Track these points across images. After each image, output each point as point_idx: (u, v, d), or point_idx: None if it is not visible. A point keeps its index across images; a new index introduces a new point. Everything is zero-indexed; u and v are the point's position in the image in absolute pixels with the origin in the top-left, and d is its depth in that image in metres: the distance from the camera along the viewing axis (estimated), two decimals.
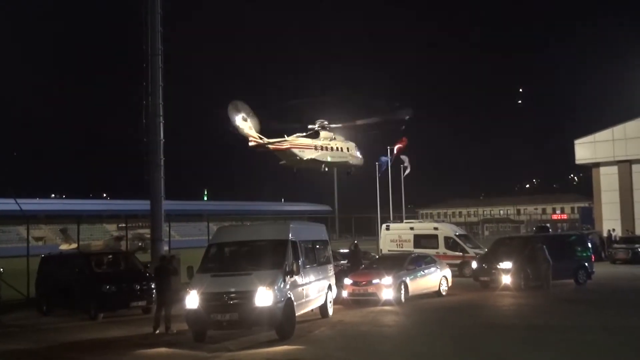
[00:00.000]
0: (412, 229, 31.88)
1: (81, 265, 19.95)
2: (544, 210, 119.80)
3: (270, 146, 25.64)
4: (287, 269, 14.44)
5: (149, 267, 20.62)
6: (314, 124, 27.37)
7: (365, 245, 35.30)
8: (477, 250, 29.05)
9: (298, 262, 14.91)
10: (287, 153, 25.98)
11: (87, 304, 18.70)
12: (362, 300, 19.74)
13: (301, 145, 26.25)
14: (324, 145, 26.98)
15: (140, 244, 43.33)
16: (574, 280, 24.39)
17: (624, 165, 48.32)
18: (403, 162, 41.00)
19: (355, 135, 29.33)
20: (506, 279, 22.75)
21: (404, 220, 36.32)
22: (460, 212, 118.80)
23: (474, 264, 25.40)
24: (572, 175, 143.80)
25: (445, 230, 31.03)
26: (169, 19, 24.93)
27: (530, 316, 17.19)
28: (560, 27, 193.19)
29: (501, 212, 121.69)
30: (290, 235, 15.36)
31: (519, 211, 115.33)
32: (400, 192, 42.76)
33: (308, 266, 15.98)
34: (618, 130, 48.74)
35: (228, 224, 25.20)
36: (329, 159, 27.12)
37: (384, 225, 33.37)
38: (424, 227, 32.64)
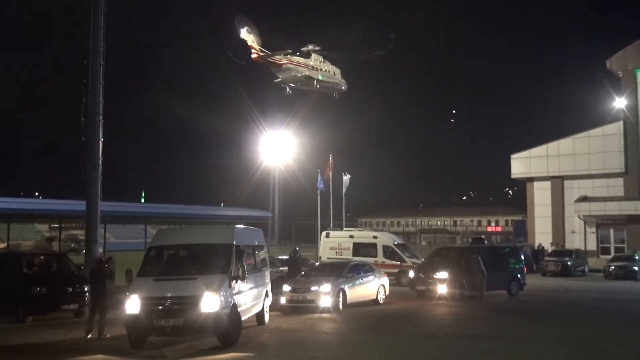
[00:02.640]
0: (351, 237, 32.08)
1: (11, 265, 19.19)
2: (479, 222, 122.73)
3: (270, 59, 27.20)
4: (233, 274, 14.14)
5: (82, 269, 20.03)
6: (306, 47, 28.85)
7: (305, 253, 35.31)
8: (414, 260, 29.47)
9: (244, 267, 14.70)
10: (284, 68, 27.57)
11: (16, 306, 17.97)
12: (301, 307, 19.71)
13: (297, 63, 28.01)
14: (316, 65, 28.71)
15: (73, 245, 42.15)
16: (507, 291, 25.03)
17: (557, 181, 50.15)
18: (346, 182, 41.24)
19: (340, 64, 30.90)
20: (442, 289, 23.15)
21: (344, 229, 36.50)
22: (399, 222, 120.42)
23: (411, 273, 25.78)
24: (507, 189, 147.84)
25: (384, 239, 31.36)
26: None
27: (465, 325, 17.53)
28: (500, 44, 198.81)
29: (438, 222, 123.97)
30: (234, 239, 15.12)
31: (455, 222, 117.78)
32: (341, 200, 43.04)
33: (249, 272, 15.80)
34: (552, 146, 50.55)
35: (166, 227, 24.96)
36: (320, 77, 28.78)
37: (324, 233, 33.45)
38: (364, 235, 32.90)
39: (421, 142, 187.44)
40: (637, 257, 36.16)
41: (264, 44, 28.22)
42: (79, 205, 26.04)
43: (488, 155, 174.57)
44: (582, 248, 45.64)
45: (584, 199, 48.44)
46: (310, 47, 28.77)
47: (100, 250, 23.91)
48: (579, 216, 48.40)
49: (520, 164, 52.10)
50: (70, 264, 20.35)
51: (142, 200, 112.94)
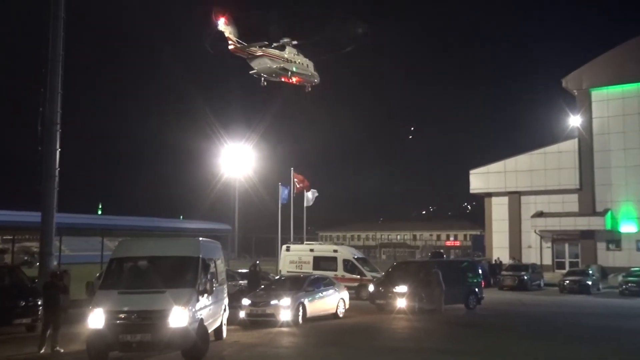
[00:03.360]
0: (312, 250, 32.06)
1: None
2: (438, 237, 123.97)
3: (246, 50, 28.05)
4: (200, 288, 13.90)
5: (36, 282, 19.52)
6: (278, 41, 29.64)
7: (265, 266, 35.15)
8: (374, 274, 29.57)
9: (211, 281, 14.46)
10: (260, 60, 28.51)
11: None
12: (260, 321, 19.57)
13: (272, 54, 28.81)
14: (290, 58, 29.67)
15: (26, 257, 41.09)
16: (465, 305, 25.31)
17: (514, 196, 51.01)
18: (308, 197, 41.19)
19: (313, 58, 31.98)
20: (401, 303, 23.26)
21: (305, 242, 36.46)
22: (359, 236, 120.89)
23: (371, 287, 25.85)
24: (466, 204, 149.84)
25: (345, 253, 31.43)
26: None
27: (424, 339, 17.63)
28: (459, 62, 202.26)
29: (398, 237, 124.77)
30: (201, 252, 14.81)
31: (415, 237, 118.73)
32: (302, 214, 43.00)
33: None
34: (510, 162, 51.47)
35: (123, 239, 24.49)
36: (294, 69, 29.78)
37: (284, 246, 33.36)
38: (324, 249, 32.91)
39: (381, 157, 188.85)
40: (590, 272, 37.04)
41: (239, 36, 28.84)
42: (34, 216, 25.37)
43: (447, 170, 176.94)
44: (538, 262, 46.50)
45: (540, 214, 49.38)
46: (285, 40, 29.85)
47: (55, 263, 23.37)
48: (535, 231, 49.27)
49: (479, 180, 52.88)
50: (24, 277, 19.79)
51: (99, 212, 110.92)
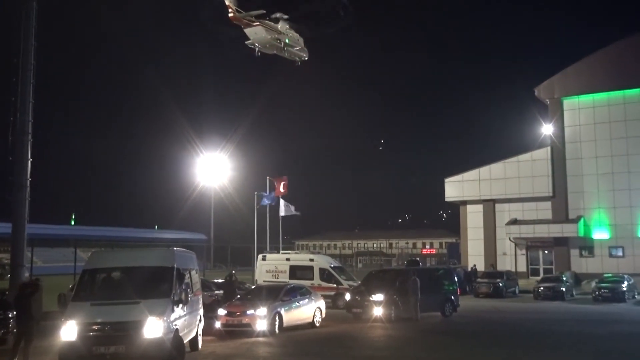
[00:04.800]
0: (288, 259, 31.94)
1: None
2: (414, 245, 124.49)
3: (244, 19, 28.86)
4: (175, 298, 13.75)
5: (7, 294, 19.12)
6: (272, 15, 30.52)
7: (242, 276, 34.96)
8: (350, 283, 29.55)
9: (186, 291, 14.31)
10: (256, 29, 29.29)
11: None
12: (236, 331, 19.41)
13: (268, 25, 29.79)
14: (283, 31, 30.71)
15: None
16: (441, 313, 25.40)
17: (489, 204, 51.47)
18: (289, 208, 41.08)
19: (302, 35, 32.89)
20: (377, 311, 23.24)
21: (281, 251, 36.32)
22: (335, 245, 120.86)
23: (348, 296, 25.83)
24: (441, 212, 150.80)
25: (321, 262, 31.36)
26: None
27: (401, 348, 17.61)
28: (434, 73, 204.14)
29: (374, 245, 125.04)
30: (175, 262, 14.65)
31: (391, 245, 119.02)
32: (278, 222, 42.87)
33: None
34: (484, 171, 51.95)
35: (95, 250, 24.22)
36: (287, 41, 30.80)
37: (260, 256, 33.19)
38: (300, 258, 32.81)
39: (357, 166, 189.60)
40: (564, 279, 37.46)
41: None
42: (4, 227, 24.96)
43: (423, 179, 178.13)
44: (513, 269, 46.90)
45: (514, 221, 49.85)
46: (279, 14, 30.89)
47: (27, 274, 22.93)
48: (509, 238, 49.72)
49: (454, 188, 53.28)
50: None
51: (72, 223, 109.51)
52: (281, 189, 39.40)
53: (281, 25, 31.09)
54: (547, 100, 50.46)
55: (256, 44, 30.23)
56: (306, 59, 33.46)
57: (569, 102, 49.68)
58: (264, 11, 30.07)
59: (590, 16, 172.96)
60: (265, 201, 39.03)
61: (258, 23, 29.65)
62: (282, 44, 30.94)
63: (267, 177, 40.09)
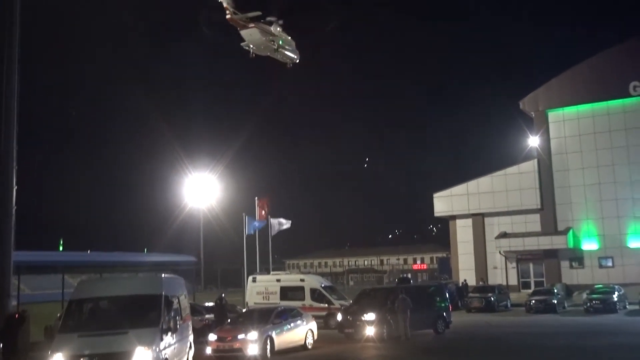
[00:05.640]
0: (278, 280, 31.73)
1: None
2: (405, 261, 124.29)
3: (241, 21, 29.96)
4: (164, 327, 13.54)
5: None
6: (266, 18, 31.66)
7: (232, 297, 34.62)
8: (342, 302, 29.38)
9: (175, 319, 14.10)
10: (252, 31, 30.37)
11: None
12: (227, 356, 19.16)
13: (263, 28, 30.85)
14: (276, 34, 31.85)
15: None
16: (434, 330, 25.26)
17: (478, 218, 51.53)
18: (280, 224, 40.82)
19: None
20: (369, 331, 23.08)
21: (271, 272, 36.08)
22: (326, 263, 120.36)
23: (339, 316, 25.64)
24: (431, 226, 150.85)
25: (311, 282, 31.17)
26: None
27: None
28: (421, 87, 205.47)
29: (365, 262, 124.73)
30: (163, 289, 14.47)
31: (382, 261, 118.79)
32: (267, 243, 42.64)
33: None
34: (472, 185, 52.07)
35: (86, 277, 23.99)
36: (281, 42, 31.91)
37: (250, 277, 32.95)
38: (291, 279, 32.62)
39: (346, 182, 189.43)
40: (555, 291, 37.48)
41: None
42: None
43: (411, 193, 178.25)
44: (504, 283, 46.87)
45: (503, 235, 49.90)
46: (272, 18, 32.09)
47: (14, 303, 22.54)
48: (499, 252, 49.73)
49: (443, 203, 53.35)
50: None
51: (61, 248, 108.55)
52: (264, 214, 39.27)
53: (274, 28, 32.25)
54: (532, 112, 50.81)
55: (251, 46, 31.31)
56: (297, 61, 34.69)
57: (553, 114, 50.03)
58: (260, 13, 31.20)
59: (573, 28, 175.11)
60: (252, 229, 38.81)
61: (253, 25, 30.75)
62: (276, 45, 32.06)
63: (255, 198, 39.93)
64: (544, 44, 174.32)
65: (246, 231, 38.07)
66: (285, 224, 40.48)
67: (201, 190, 50.42)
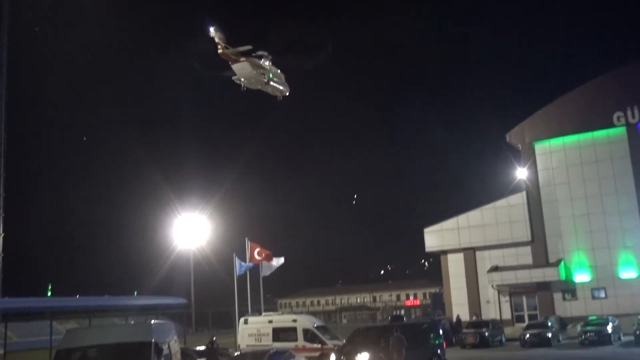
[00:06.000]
0: (270, 322, 31.29)
1: None
2: (398, 297, 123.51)
3: (232, 55, 30.58)
4: None
5: None
6: (259, 52, 32.39)
7: (223, 340, 34.17)
8: (335, 342, 28.96)
9: None
10: (243, 65, 31.04)
11: None
12: None
13: (253, 62, 31.49)
14: (266, 67, 32.62)
15: None
16: None
17: (469, 252, 51.40)
18: (271, 267, 40.41)
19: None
20: None
21: (263, 313, 35.63)
22: (318, 301, 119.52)
23: (333, 357, 25.27)
24: (423, 261, 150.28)
25: (304, 322, 30.77)
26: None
27: None
28: (409, 120, 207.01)
29: (358, 299, 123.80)
30: (153, 336, 14.19)
31: (374, 298, 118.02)
32: (259, 283, 42.24)
33: None
34: (462, 219, 52.07)
35: (75, 323, 23.62)
36: (271, 75, 32.60)
37: (242, 319, 32.48)
38: (283, 319, 32.19)
39: (336, 219, 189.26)
40: (549, 324, 37.22)
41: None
42: None
43: (402, 228, 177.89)
44: (498, 317, 46.55)
45: (495, 268, 49.72)
46: (262, 52, 32.79)
47: (2, 351, 22.16)
48: (492, 286, 49.49)
49: (433, 238, 53.23)
50: None
51: (49, 294, 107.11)
52: (256, 256, 38.91)
53: (264, 62, 33.01)
54: (519, 145, 51.19)
55: (242, 79, 31.88)
56: (287, 94, 35.35)
57: (540, 146, 50.43)
58: (251, 47, 31.83)
59: (558, 59, 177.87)
60: (243, 270, 38.42)
61: (244, 59, 31.38)
62: (266, 78, 32.75)
63: (246, 239, 39.64)
64: (529, 76, 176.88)
65: (237, 272, 37.71)
66: (276, 264, 40.07)
67: (191, 231, 50.16)
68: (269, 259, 38.94)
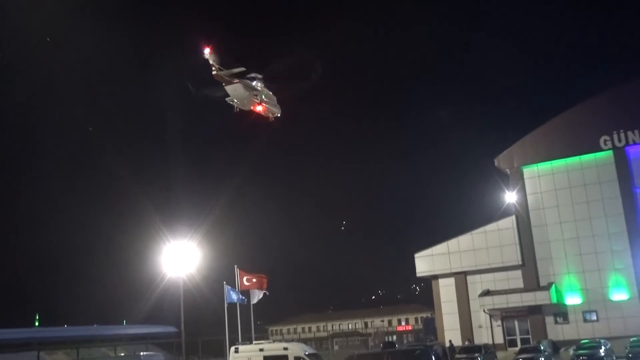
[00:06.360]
0: (261, 350, 30.91)
1: None
2: (389, 322, 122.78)
3: (226, 77, 31.27)
4: None
5: None
6: (249, 74, 32.95)
7: None
8: None
9: None
10: (236, 87, 31.80)
11: None
12: None
13: (246, 83, 32.21)
14: (259, 88, 33.34)
15: None
16: None
17: (460, 277, 51.31)
18: (258, 295, 40.16)
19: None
20: None
21: (254, 342, 35.24)
22: (310, 328, 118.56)
23: None
24: (414, 285, 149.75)
25: (295, 350, 30.43)
26: None
27: None
28: (395, 145, 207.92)
29: (349, 325, 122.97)
30: None
31: (366, 324, 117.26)
32: (249, 309, 41.89)
33: None
34: (452, 243, 52.06)
35: (62, 354, 23.25)
36: (263, 97, 33.29)
37: (232, 348, 32.09)
38: (274, 347, 31.81)
39: (326, 245, 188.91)
40: (542, 348, 37.09)
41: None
42: None
43: (393, 253, 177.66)
44: (490, 342, 46.31)
45: (486, 293, 49.59)
46: (254, 74, 33.49)
47: None
48: (484, 310, 49.32)
49: (424, 262, 53.09)
50: None
51: (37, 324, 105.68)
52: (245, 282, 38.66)
53: (257, 84, 33.76)
54: (508, 169, 51.46)
55: (235, 100, 32.52)
56: (279, 115, 36.07)
57: (528, 171, 50.73)
58: (244, 69, 32.45)
59: (544, 84, 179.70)
60: (233, 299, 38.10)
61: (237, 81, 32.06)
62: (259, 99, 33.43)
63: (235, 266, 39.40)
64: (517, 101, 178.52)
65: (227, 300, 37.42)
66: (262, 293, 39.86)
67: (180, 258, 49.68)
68: (261, 285, 38.70)
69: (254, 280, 38.74)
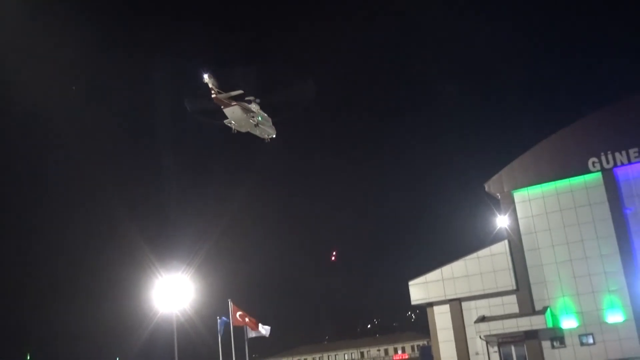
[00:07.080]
0: None
1: None
2: (386, 352, 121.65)
3: (224, 100, 32.48)
4: None
5: None
6: (246, 98, 34.09)
7: None
8: None
9: None
10: (234, 109, 32.94)
11: None
12: None
13: (244, 106, 33.38)
14: (255, 111, 34.49)
15: None
16: None
17: (455, 304, 51.03)
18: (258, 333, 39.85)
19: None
20: None
21: None
22: (305, 359, 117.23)
23: None
24: (410, 312, 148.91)
25: None
26: None
27: None
28: (384, 174, 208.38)
29: (346, 356, 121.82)
30: None
31: (362, 354, 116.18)
32: (244, 343, 41.49)
33: None
34: (446, 270, 51.88)
35: None
36: (259, 119, 34.54)
37: None
38: None
39: (320, 274, 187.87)
40: None
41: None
42: None
43: (387, 281, 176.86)
44: None
45: (482, 319, 49.30)
46: (251, 97, 34.45)
47: None
48: (480, 337, 48.96)
49: (419, 290, 52.80)
50: None
51: None
52: (238, 317, 38.41)
53: (254, 106, 34.76)
54: (498, 194, 51.57)
55: (233, 122, 33.73)
56: (274, 136, 36.97)
57: (519, 195, 50.84)
58: (242, 91, 33.64)
59: (532, 106, 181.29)
60: (221, 325, 37.82)
61: (235, 103, 33.29)
62: (255, 121, 34.60)
63: (229, 300, 39.15)
64: (506, 124, 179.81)
65: (221, 333, 37.14)
66: (265, 332, 39.62)
67: (173, 292, 49.22)
68: (254, 327, 38.61)
69: (247, 319, 38.62)
